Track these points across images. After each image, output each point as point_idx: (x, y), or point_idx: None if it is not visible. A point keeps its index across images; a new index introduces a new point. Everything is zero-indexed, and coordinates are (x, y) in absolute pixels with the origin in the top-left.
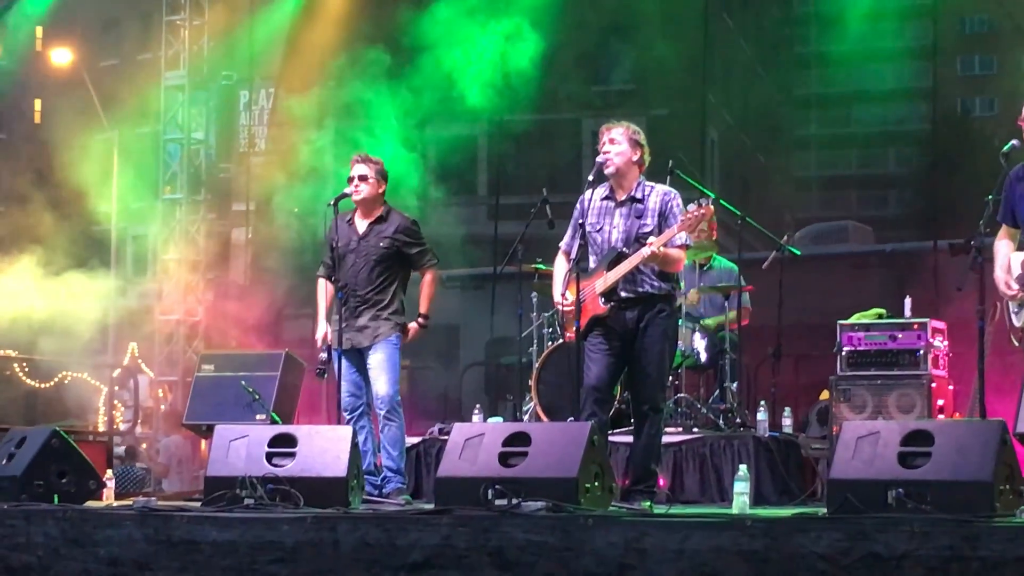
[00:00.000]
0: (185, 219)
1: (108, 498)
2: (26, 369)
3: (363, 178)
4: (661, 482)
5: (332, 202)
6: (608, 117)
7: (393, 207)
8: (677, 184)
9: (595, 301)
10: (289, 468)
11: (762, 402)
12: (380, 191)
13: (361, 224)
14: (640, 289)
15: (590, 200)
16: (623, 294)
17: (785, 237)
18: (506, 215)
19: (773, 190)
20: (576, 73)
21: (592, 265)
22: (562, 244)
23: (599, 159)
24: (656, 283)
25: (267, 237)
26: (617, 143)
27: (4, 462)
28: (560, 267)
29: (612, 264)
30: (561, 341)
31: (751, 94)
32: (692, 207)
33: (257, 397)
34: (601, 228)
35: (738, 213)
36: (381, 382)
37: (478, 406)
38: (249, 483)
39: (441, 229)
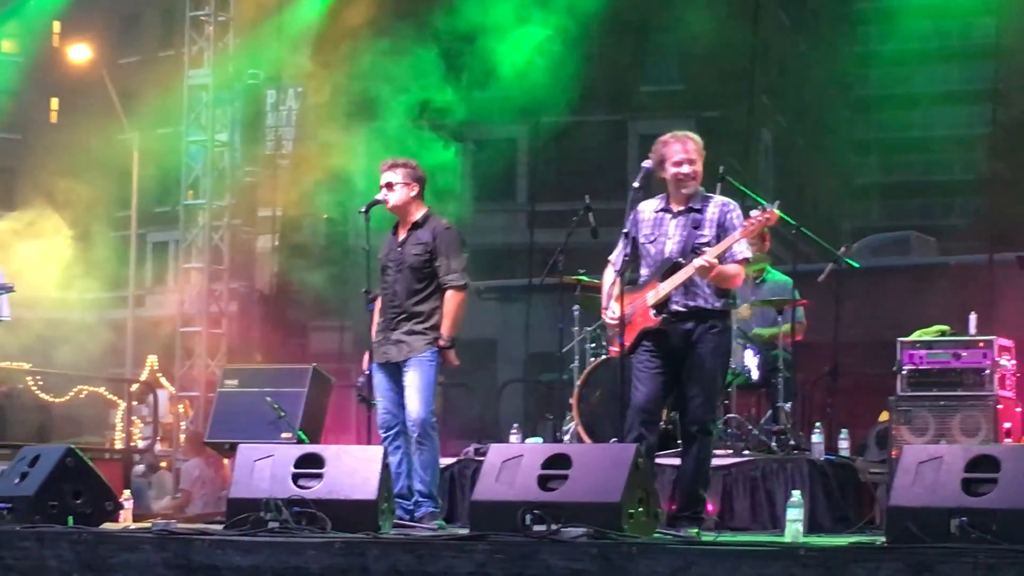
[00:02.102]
0: (208, 225)
1: (125, 520)
2: (40, 383)
3: (390, 186)
4: (709, 508)
5: (363, 209)
6: (655, 119)
7: (434, 213)
8: (728, 191)
9: (645, 313)
10: (316, 490)
11: (817, 424)
12: (413, 194)
13: (402, 234)
14: (693, 303)
15: (643, 212)
16: (676, 307)
17: (843, 248)
18: (547, 223)
19: (830, 198)
20: (622, 72)
21: (644, 278)
22: (612, 256)
23: (645, 164)
24: (711, 298)
25: (294, 245)
26: (696, 162)
27: (17, 481)
28: (608, 279)
29: (666, 275)
30: (605, 357)
31: (807, 95)
32: (755, 213)
33: (283, 414)
34: (655, 240)
35: (793, 223)
36: (414, 403)
37: (516, 426)
38: (274, 505)
39: (478, 237)
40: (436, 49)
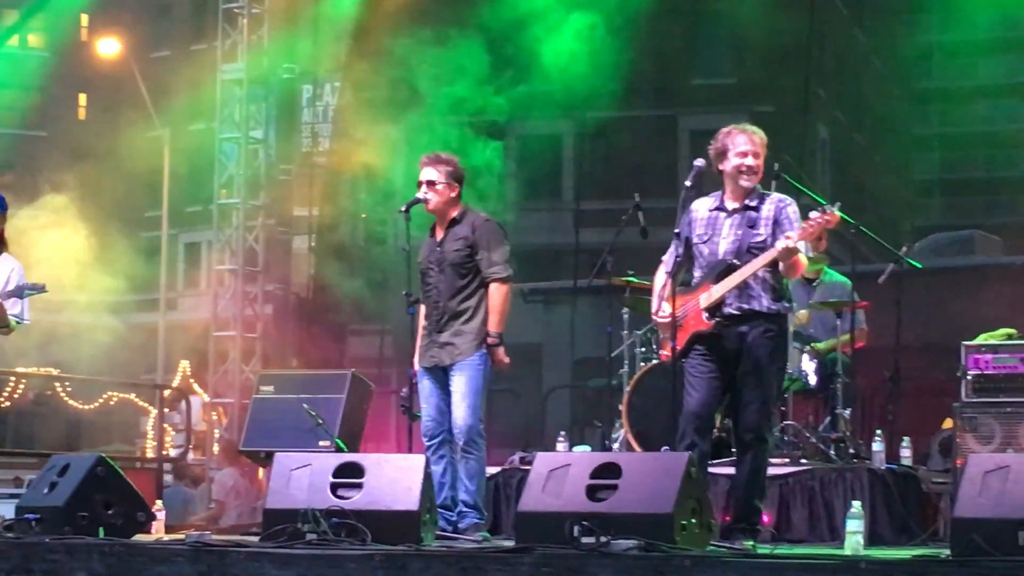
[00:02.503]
0: (242, 225)
1: (158, 531)
2: (68, 389)
3: (431, 184)
4: (765, 519)
5: (403, 209)
6: (706, 114)
7: (471, 208)
8: (784, 189)
9: (698, 316)
10: (356, 500)
11: (878, 431)
12: (453, 195)
13: (440, 233)
14: (747, 306)
15: (697, 211)
16: (729, 310)
17: (904, 248)
18: (594, 222)
19: (890, 195)
20: (671, 64)
21: (697, 279)
22: (664, 256)
23: (698, 163)
24: (767, 301)
25: (332, 246)
26: (760, 156)
27: (46, 491)
28: (660, 280)
29: (720, 277)
30: (655, 362)
31: (866, 88)
32: (814, 214)
33: (320, 422)
34: (709, 239)
35: (852, 221)
36: (461, 409)
37: (563, 433)
38: (312, 516)
39: (522, 237)
40: (479, 41)
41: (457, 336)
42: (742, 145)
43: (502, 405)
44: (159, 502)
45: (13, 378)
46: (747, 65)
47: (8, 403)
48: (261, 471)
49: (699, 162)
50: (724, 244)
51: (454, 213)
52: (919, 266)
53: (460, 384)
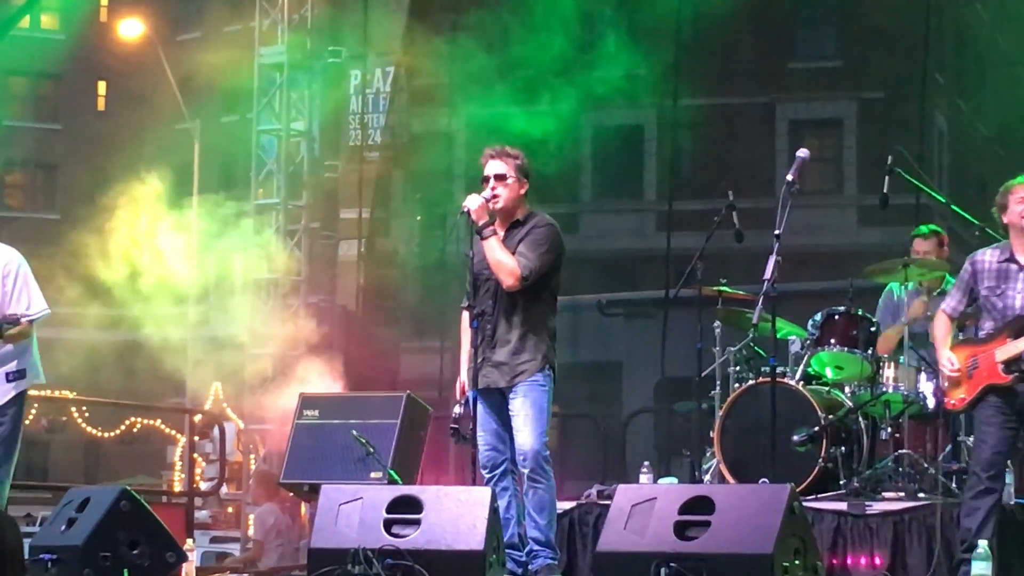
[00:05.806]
0: (282, 229)
1: (188, 573)
2: (86, 414)
3: (500, 178)
4: (878, 560)
5: (465, 209)
6: (808, 101)
7: (536, 211)
8: (899, 184)
9: (993, 369)
10: (413, 539)
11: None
12: (522, 192)
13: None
14: None
15: (984, 261)
16: None
17: None
18: (681, 224)
19: None
20: (769, 46)
21: (988, 330)
22: (944, 305)
23: (801, 153)
24: None
25: (383, 252)
26: None
27: (63, 529)
28: (942, 327)
29: (1019, 331)
30: (751, 383)
31: (989, 72)
32: None
33: (372, 450)
34: (1002, 293)
35: (976, 223)
36: (525, 433)
37: (646, 463)
38: (363, 557)
39: (600, 242)
40: (551, 20)
41: (516, 354)
42: (1020, 192)
43: (577, 431)
44: (189, 541)
45: None
46: (854, 46)
47: None
48: (304, 506)
49: (802, 152)
50: (1019, 299)
51: (519, 214)
52: None
53: (524, 406)
